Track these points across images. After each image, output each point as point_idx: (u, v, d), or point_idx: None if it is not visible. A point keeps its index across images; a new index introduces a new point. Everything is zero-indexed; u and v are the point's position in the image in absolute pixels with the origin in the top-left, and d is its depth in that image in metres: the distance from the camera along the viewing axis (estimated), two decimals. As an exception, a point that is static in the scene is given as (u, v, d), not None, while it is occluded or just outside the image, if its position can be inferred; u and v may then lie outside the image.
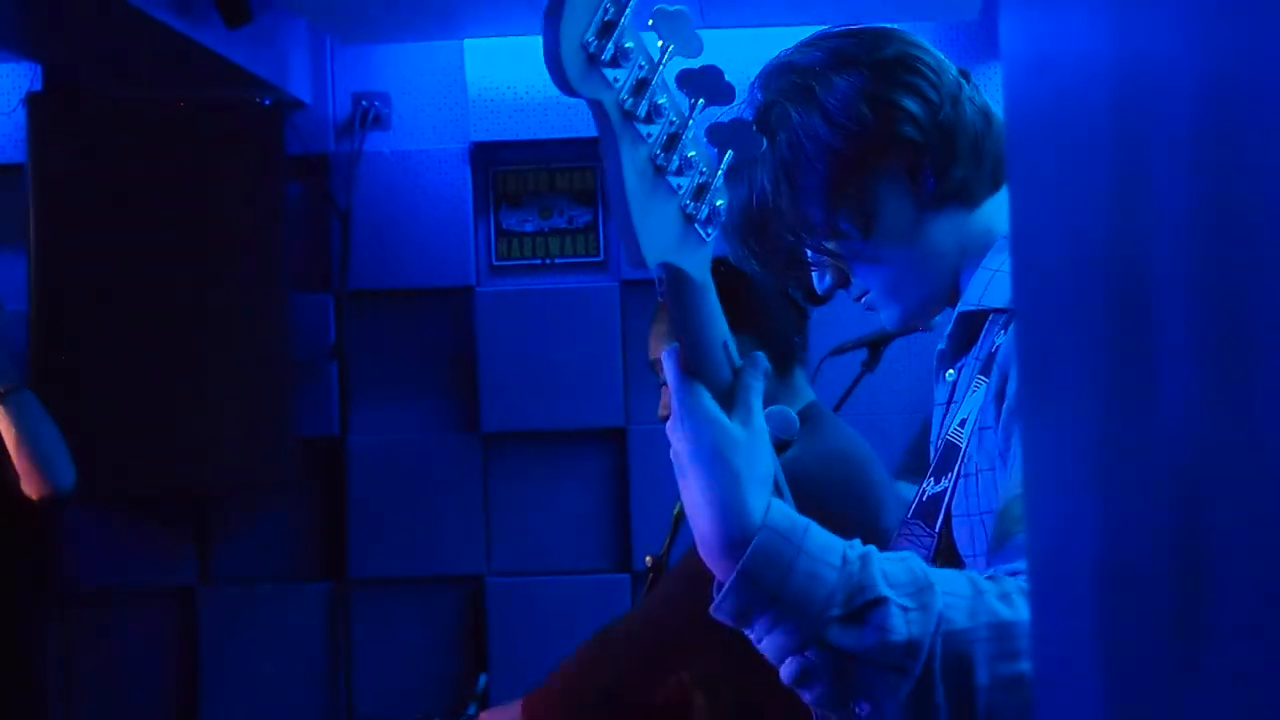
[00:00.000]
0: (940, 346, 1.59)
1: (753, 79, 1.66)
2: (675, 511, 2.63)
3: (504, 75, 4.86)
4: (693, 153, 1.15)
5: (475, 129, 4.86)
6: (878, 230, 1.53)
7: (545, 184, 4.91)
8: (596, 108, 1.08)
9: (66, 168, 4.39)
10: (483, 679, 4.64)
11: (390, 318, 4.90)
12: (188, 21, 3.91)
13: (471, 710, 4.45)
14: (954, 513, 1.44)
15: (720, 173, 1.18)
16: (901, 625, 1.15)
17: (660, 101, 1.11)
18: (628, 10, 1.05)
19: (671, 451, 1.27)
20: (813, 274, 1.64)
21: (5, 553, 3.74)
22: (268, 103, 4.57)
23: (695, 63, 1.13)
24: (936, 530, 1.44)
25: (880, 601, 1.16)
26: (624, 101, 1.08)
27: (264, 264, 4.54)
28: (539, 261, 4.90)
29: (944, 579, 1.19)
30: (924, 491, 1.51)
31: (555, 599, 4.75)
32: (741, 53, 4.84)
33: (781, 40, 5.01)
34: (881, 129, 1.50)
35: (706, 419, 1.23)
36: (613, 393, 4.80)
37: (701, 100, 1.13)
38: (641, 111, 1.09)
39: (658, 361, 2.56)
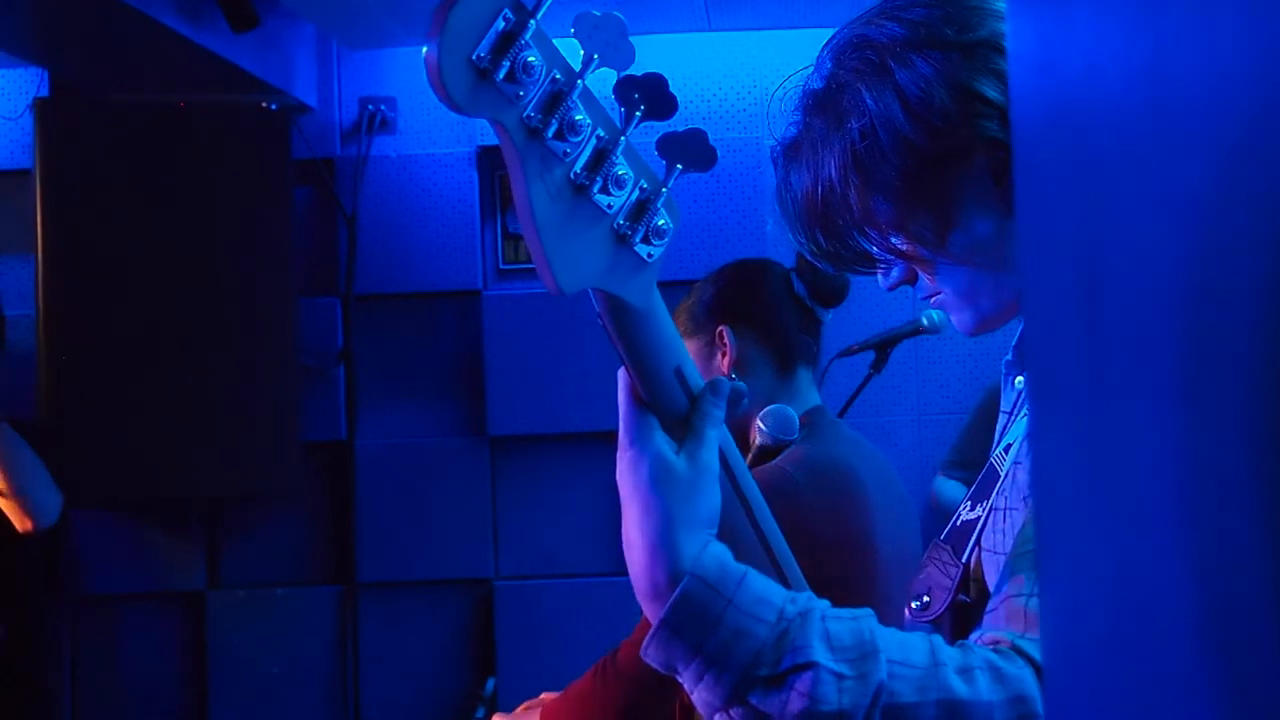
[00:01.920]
0: (1007, 358, 1.45)
1: (822, 48, 1.50)
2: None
3: (510, 79, 4.85)
4: (624, 170, 1.06)
5: (481, 133, 4.86)
6: (954, 234, 1.38)
7: (552, 187, 4.89)
8: (496, 126, 1.00)
9: (74, 173, 4.39)
10: (490, 683, 4.64)
11: (397, 321, 4.89)
12: (194, 26, 3.91)
13: (480, 714, 4.45)
14: (984, 545, 1.32)
15: (665, 190, 1.10)
16: (833, 694, 1.04)
17: (578, 118, 1.02)
18: (531, 22, 0.98)
19: (617, 476, 1.19)
20: (879, 270, 1.50)
21: (13, 557, 3.73)
22: (274, 107, 4.57)
23: (639, 71, 1.06)
24: (963, 561, 1.33)
25: (809, 666, 1.05)
26: (529, 119, 1.00)
27: (271, 268, 4.54)
28: (546, 265, 4.88)
29: (900, 646, 1.08)
30: (959, 515, 1.39)
31: (563, 603, 4.74)
32: (747, 56, 4.85)
33: (789, 43, 5.04)
34: (966, 124, 1.33)
35: (647, 451, 1.16)
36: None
37: (638, 113, 1.06)
38: (552, 129, 1.01)
39: None
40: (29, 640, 3.74)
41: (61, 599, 4.71)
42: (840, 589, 2.09)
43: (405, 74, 4.92)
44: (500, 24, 0.97)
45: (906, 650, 1.07)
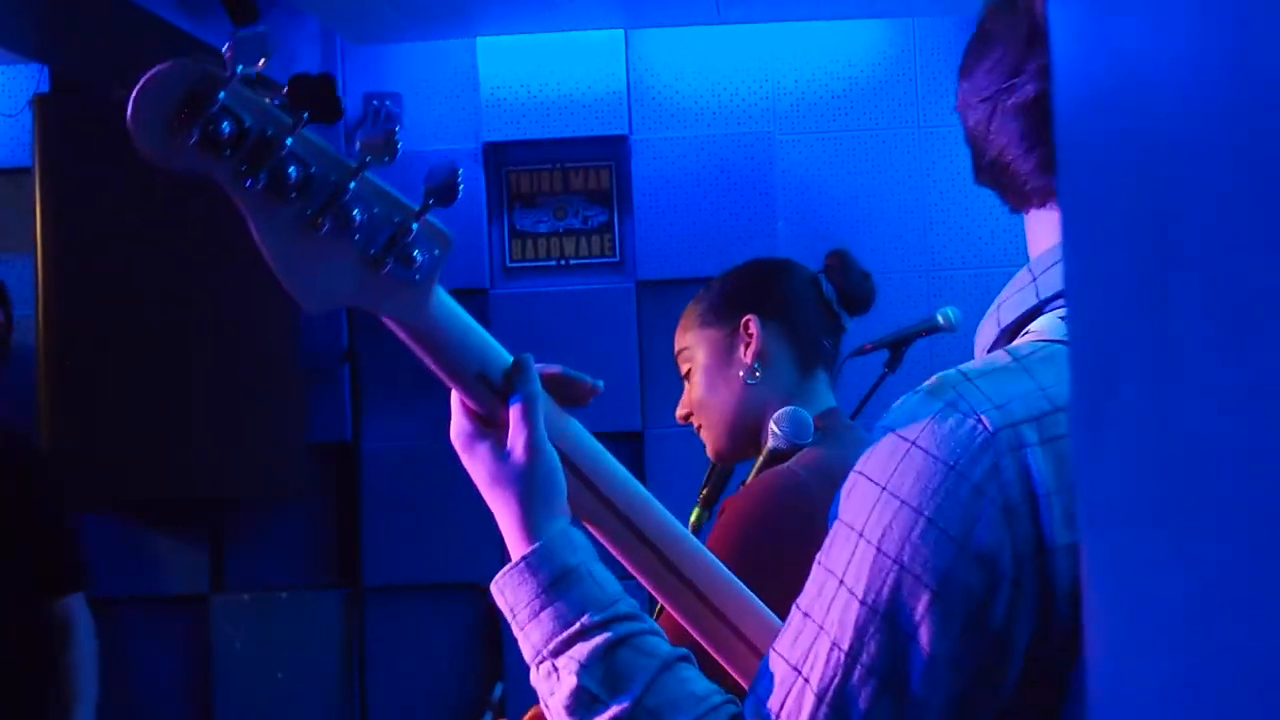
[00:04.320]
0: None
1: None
2: (692, 519, 2.59)
3: (517, 74, 4.84)
4: (356, 208, 1.12)
5: (488, 129, 4.84)
6: None
7: (559, 184, 4.88)
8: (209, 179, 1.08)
9: (74, 170, 4.37)
10: (499, 688, 4.61)
11: (403, 321, 4.87)
12: (195, 21, 3.89)
13: (487, 718, 4.42)
14: None
15: (415, 225, 1.16)
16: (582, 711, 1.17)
17: (290, 169, 1.08)
18: (223, 91, 1.05)
19: None
20: None
21: (16, 559, 3.72)
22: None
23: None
24: None
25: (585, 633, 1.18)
26: (242, 172, 1.07)
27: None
28: (554, 262, 4.88)
29: (673, 702, 1.16)
30: None
31: (572, 606, 4.72)
32: (758, 48, 4.82)
33: (800, 36, 5.01)
34: None
35: (472, 456, 1.27)
36: (629, 395, 4.77)
37: (368, 159, 1.12)
38: (263, 182, 1.08)
39: (683, 351, 2.53)
40: (29, 644, 3.72)
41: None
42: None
43: (410, 69, 4.90)
44: (193, 86, 1.05)
45: (677, 705, 1.16)
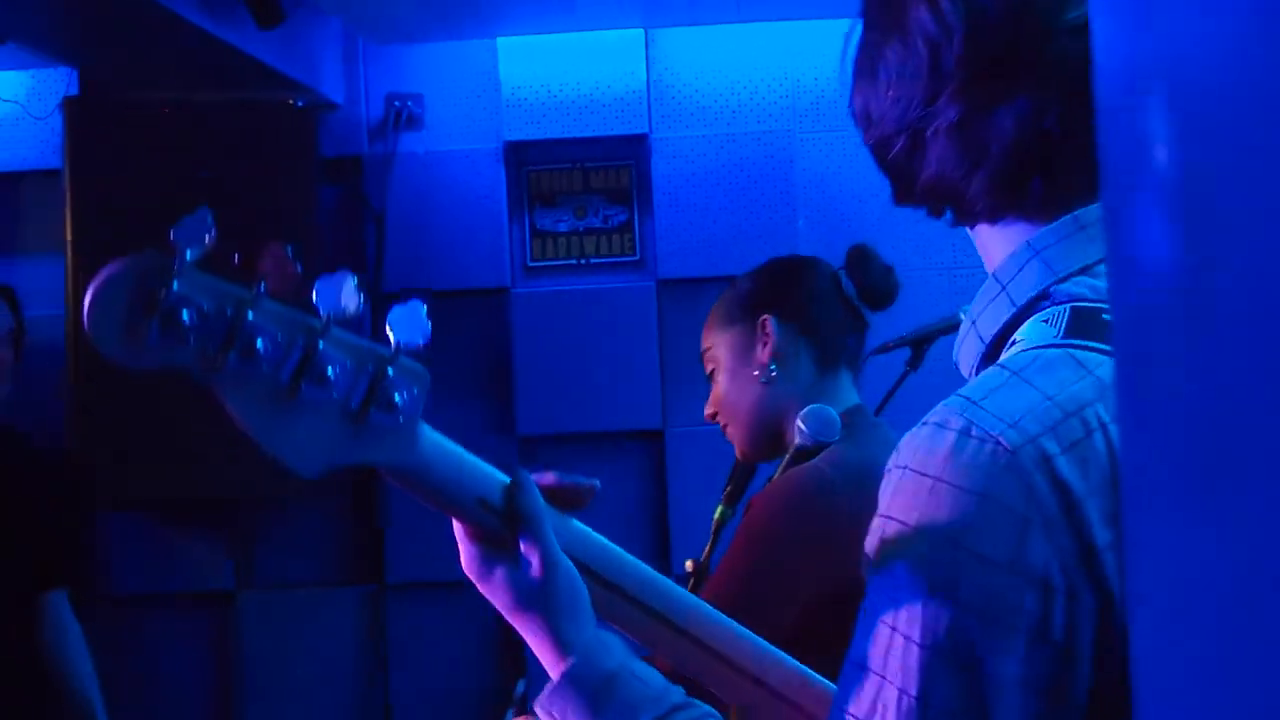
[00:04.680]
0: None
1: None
2: (715, 516, 2.60)
3: (538, 74, 4.85)
4: (331, 365, 1.11)
5: (509, 128, 4.86)
6: None
7: (580, 183, 4.89)
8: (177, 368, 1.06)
9: (102, 172, 4.40)
10: (521, 685, 4.63)
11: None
12: (220, 23, 3.91)
13: (510, 716, 4.44)
14: None
15: (391, 369, 1.15)
16: None
17: (257, 341, 1.07)
18: (175, 280, 1.04)
19: None
20: None
21: (38, 557, 3.75)
22: (301, 104, 4.57)
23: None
24: None
25: None
26: (208, 354, 1.06)
27: (307, 268, 4.52)
28: (574, 261, 4.89)
29: None
30: None
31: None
32: (777, 47, 4.83)
33: (819, 34, 5.00)
34: None
35: (488, 583, 1.26)
36: (650, 394, 4.78)
37: (328, 316, 1.10)
38: (232, 358, 1.07)
39: (707, 351, 2.54)
40: (27, 630, 3.77)
41: (90, 599, 4.72)
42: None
43: (432, 70, 4.92)
44: (142, 286, 1.04)
45: None
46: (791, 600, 2.16)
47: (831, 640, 2.13)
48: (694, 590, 2.57)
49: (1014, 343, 1.15)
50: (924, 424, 1.09)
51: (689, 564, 2.64)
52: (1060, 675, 1.02)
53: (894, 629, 1.04)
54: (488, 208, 4.87)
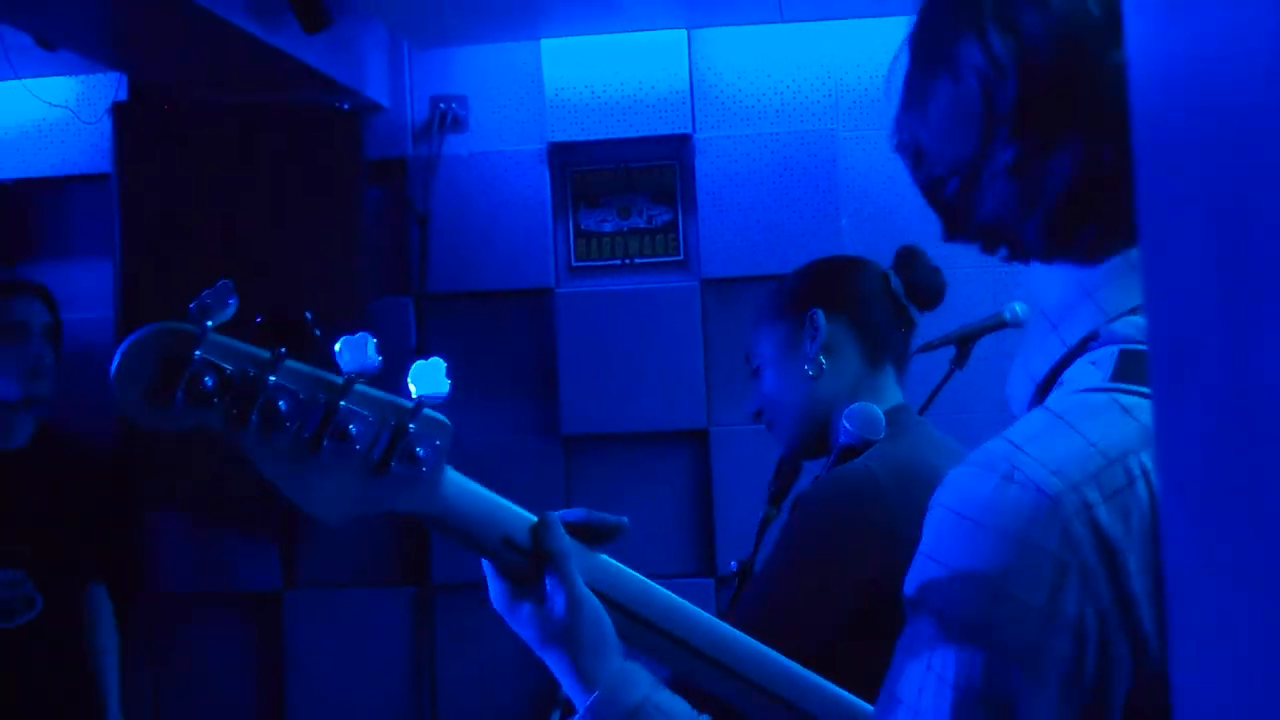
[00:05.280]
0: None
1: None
2: (761, 517, 2.60)
3: (581, 74, 4.86)
4: (353, 423, 1.15)
5: (553, 129, 4.87)
6: None
7: (623, 183, 4.90)
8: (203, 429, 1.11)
9: (151, 176, 4.44)
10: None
11: (469, 320, 4.91)
12: (267, 27, 3.94)
13: (555, 717, 4.45)
14: None
15: (413, 424, 1.19)
16: None
17: (280, 403, 1.12)
18: (198, 348, 1.09)
19: None
20: None
21: (82, 554, 3.80)
22: (347, 107, 4.60)
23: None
24: None
25: None
26: (233, 417, 1.11)
27: (344, 268, 4.56)
28: (618, 262, 4.89)
29: None
30: None
31: (639, 602, 4.73)
32: (820, 46, 4.83)
33: (862, 33, 4.99)
34: None
35: (515, 618, 1.30)
36: (694, 393, 4.79)
37: (349, 375, 1.15)
38: (255, 418, 1.11)
39: (753, 348, 2.55)
40: (74, 621, 3.82)
41: (138, 599, 4.77)
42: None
43: (475, 72, 4.94)
44: (165, 355, 1.09)
45: None
46: (839, 601, 2.16)
47: (880, 640, 2.14)
48: (739, 590, 2.58)
49: (1061, 384, 1.15)
50: (968, 465, 1.09)
51: (735, 563, 2.64)
52: (1092, 715, 1.02)
53: (929, 666, 1.06)
54: (532, 208, 4.89)
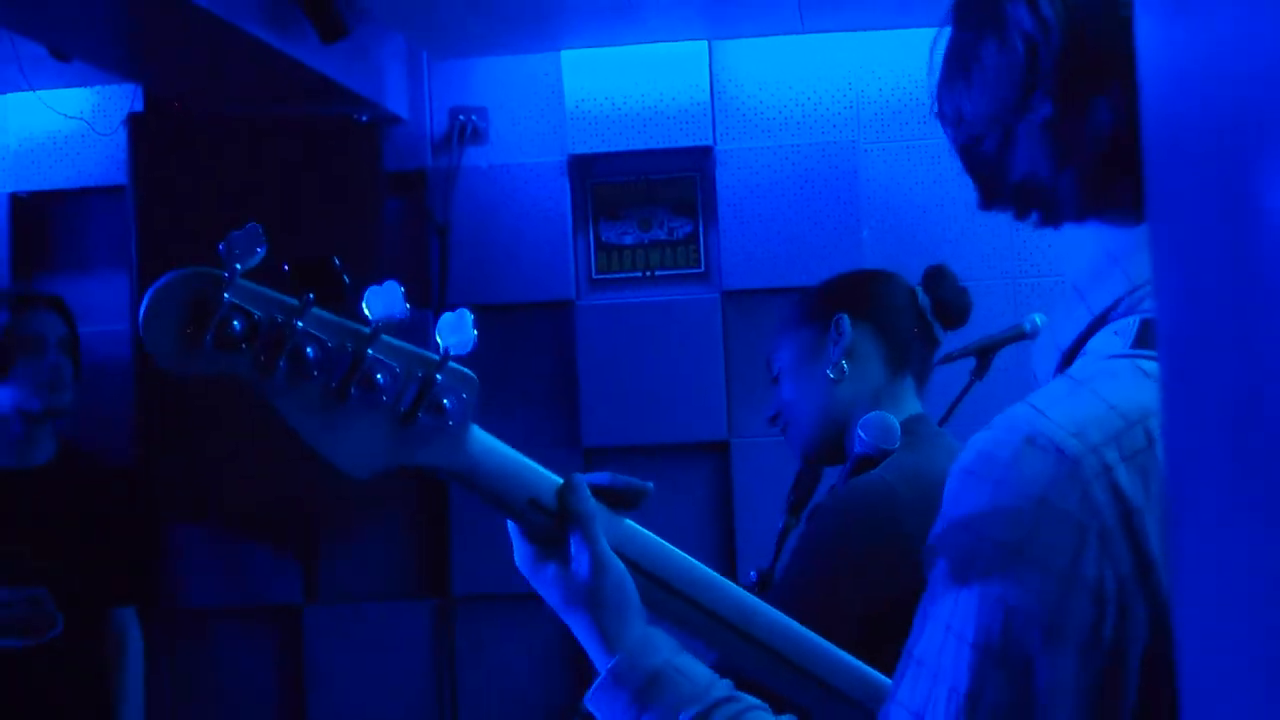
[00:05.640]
0: None
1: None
2: (781, 526, 2.59)
3: (601, 86, 4.86)
4: (380, 371, 1.16)
5: (573, 141, 4.87)
6: None
7: (644, 195, 4.90)
8: (233, 377, 1.12)
9: (167, 187, 4.44)
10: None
11: (489, 332, 4.85)
12: (284, 38, 3.94)
13: (577, 730, 4.44)
14: None
15: (440, 375, 1.20)
16: None
17: (307, 349, 1.12)
18: (227, 291, 1.09)
19: None
20: None
21: (104, 569, 3.80)
22: (365, 119, 4.60)
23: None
24: None
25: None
26: (261, 362, 1.12)
27: (362, 280, 4.55)
28: (639, 274, 4.89)
29: None
30: None
31: (660, 616, 4.72)
32: (842, 57, 4.82)
33: (884, 44, 4.97)
34: None
35: (540, 580, 1.31)
36: (715, 405, 4.78)
37: (377, 323, 1.15)
38: (283, 364, 1.12)
39: (775, 354, 2.55)
40: (96, 641, 3.82)
41: (157, 612, 4.76)
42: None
43: (495, 84, 4.94)
44: (196, 298, 1.10)
45: None
46: (853, 610, 2.15)
47: (895, 649, 2.13)
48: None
49: (1085, 353, 1.16)
50: (990, 428, 1.10)
51: (754, 573, 2.64)
52: (1109, 685, 1.03)
53: (948, 627, 1.07)
54: (552, 220, 4.88)
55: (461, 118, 4.90)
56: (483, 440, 1.27)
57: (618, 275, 4.90)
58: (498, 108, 4.94)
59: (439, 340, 1.20)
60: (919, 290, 2.51)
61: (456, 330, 1.21)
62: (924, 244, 4.64)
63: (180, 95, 4.62)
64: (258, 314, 1.11)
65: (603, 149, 4.87)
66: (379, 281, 1.16)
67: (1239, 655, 0.50)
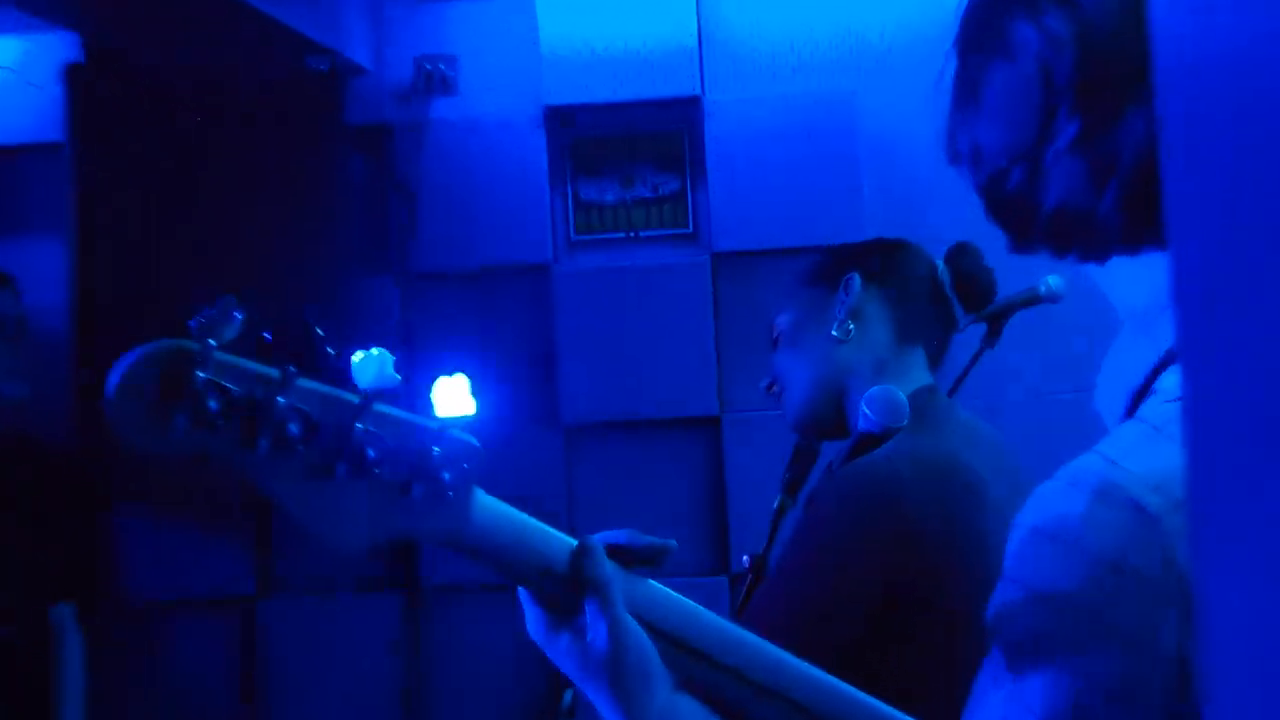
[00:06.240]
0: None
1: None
2: (776, 506, 2.61)
3: (580, 32, 4.86)
4: (371, 445, 1.16)
5: (549, 92, 4.88)
6: None
7: (627, 150, 4.90)
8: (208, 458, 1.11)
9: (109, 145, 4.42)
10: (569, 695, 4.65)
11: (459, 301, 4.90)
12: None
13: (558, 729, 4.47)
14: None
15: (437, 445, 1.20)
16: None
17: (290, 426, 1.12)
18: (198, 368, 1.08)
19: None
20: None
21: (45, 571, 3.81)
22: (324, 69, 4.59)
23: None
24: None
25: None
26: (239, 442, 1.11)
27: (321, 244, 4.56)
28: (622, 235, 4.90)
29: None
30: None
31: (647, 605, 4.74)
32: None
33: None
34: None
35: (554, 649, 1.31)
36: (705, 378, 4.80)
37: (366, 394, 1.16)
38: (266, 441, 1.11)
39: (779, 317, 2.57)
40: (41, 649, 3.83)
41: (100, 608, 4.77)
42: (957, 598, 2.09)
43: (464, 29, 4.93)
44: (171, 375, 1.08)
45: None
46: (857, 606, 2.17)
47: (903, 645, 2.16)
48: (752, 588, 2.60)
49: (1154, 392, 1.13)
50: (1057, 481, 1.07)
51: (747, 559, 2.66)
52: None
53: (1011, 698, 1.05)
54: (527, 178, 4.89)
55: (428, 67, 4.90)
56: (488, 507, 1.28)
57: (598, 237, 4.91)
58: (467, 56, 4.94)
59: (435, 409, 1.22)
60: (941, 264, 2.53)
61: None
62: (929, 200, 4.63)
63: (123, 45, 4.60)
64: (235, 390, 1.11)
65: (582, 100, 4.87)
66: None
67: (1267, 684, 0.53)
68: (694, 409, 4.80)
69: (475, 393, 1.11)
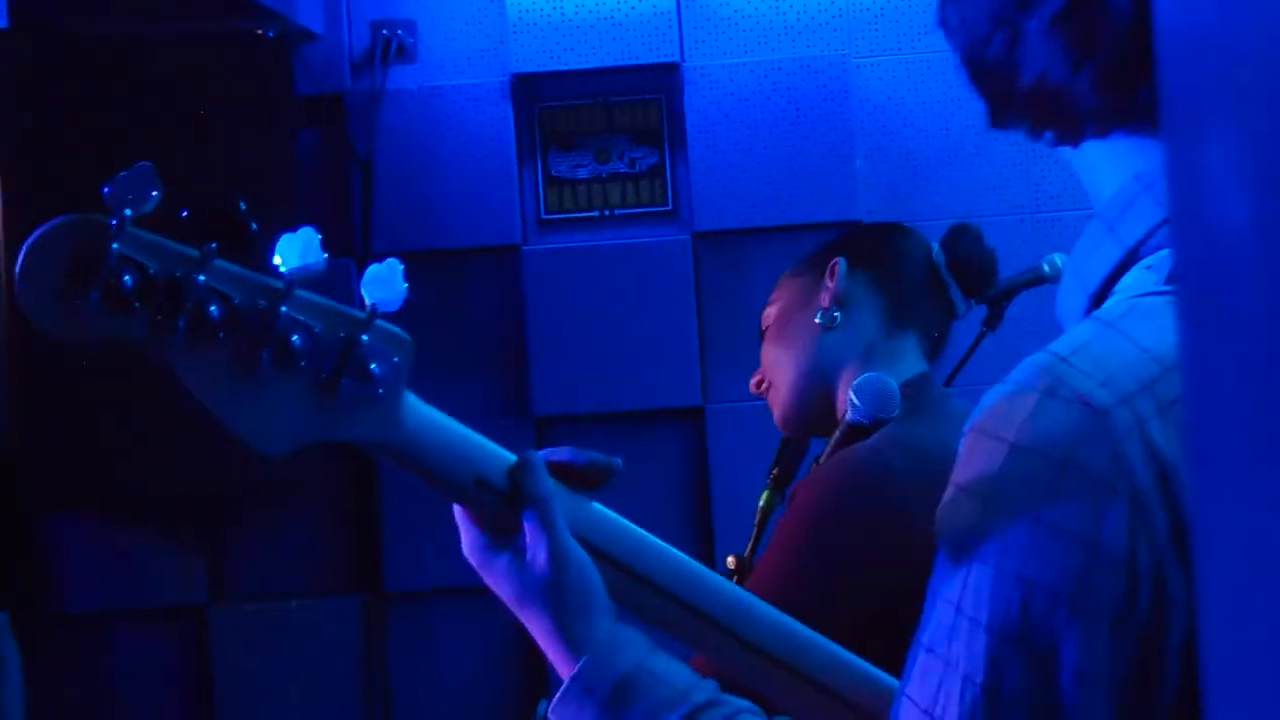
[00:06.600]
0: None
1: None
2: (761, 504, 2.60)
3: (549, -7, 4.85)
4: (297, 333, 1.15)
5: (516, 59, 4.87)
6: None
7: (601, 122, 4.91)
8: (124, 343, 1.10)
9: (39, 118, 4.39)
10: (543, 706, 4.65)
11: (422, 285, 4.83)
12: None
13: (532, 741, 4.46)
14: None
15: (365, 336, 1.20)
16: None
17: (211, 308, 1.11)
18: (115, 240, 1.08)
19: None
20: None
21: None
22: (272, 35, 4.56)
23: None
24: None
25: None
26: (156, 325, 1.10)
27: (272, 224, 4.53)
28: (596, 213, 4.90)
29: None
30: None
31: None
32: None
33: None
34: None
35: (491, 572, 1.32)
36: (687, 366, 4.80)
37: (290, 277, 1.15)
38: (183, 327, 1.10)
39: (768, 307, 2.56)
40: None
41: (37, 618, 4.75)
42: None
43: (425, -9, 4.92)
44: (84, 247, 1.08)
45: None
46: (845, 609, 2.16)
47: (898, 645, 2.14)
48: (735, 589, 2.59)
49: (1115, 293, 1.16)
50: (1005, 383, 1.09)
51: (731, 560, 2.65)
52: (1145, 674, 1.03)
53: (959, 609, 1.07)
54: (494, 152, 4.88)
55: (385, 32, 4.88)
56: (419, 411, 1.27)
57: (571, 215, 4.91)
58: (427, 20, 4.93)
59: (365, 296, 1.19)
60: (936, 247, 2.53)
61: (384, 284, 1.20)
62: (926, 175, 4.65)
63: (51, 8, 4.57)
64: (152, 267, 1.10)
65: (551, 67, 4.87)
66: (292, 228, 1.16)
67: (1270, 636, 0.51)
68: (675, 399, 4.81)
69: (407, 277, 1.10)
